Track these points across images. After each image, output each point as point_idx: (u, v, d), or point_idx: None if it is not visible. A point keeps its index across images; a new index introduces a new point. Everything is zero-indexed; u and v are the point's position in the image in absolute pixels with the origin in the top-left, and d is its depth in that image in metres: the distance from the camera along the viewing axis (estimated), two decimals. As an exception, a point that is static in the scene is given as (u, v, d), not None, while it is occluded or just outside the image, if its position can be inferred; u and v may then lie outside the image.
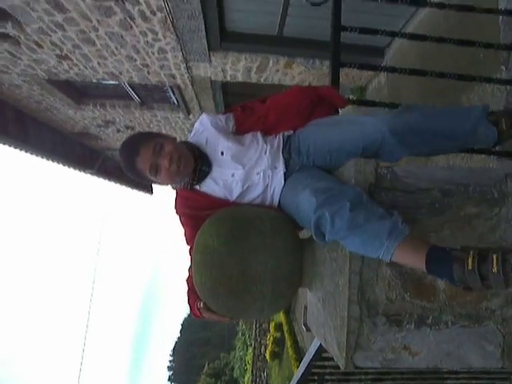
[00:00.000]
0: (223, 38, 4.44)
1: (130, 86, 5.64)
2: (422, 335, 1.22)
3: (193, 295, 1.48)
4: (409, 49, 4.11)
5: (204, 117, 1.63)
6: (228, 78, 5.13)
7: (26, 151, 6.17)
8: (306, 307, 1.66)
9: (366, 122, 1.40)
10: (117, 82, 5.45)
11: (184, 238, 1.61)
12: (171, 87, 5.49)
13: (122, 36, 4.20)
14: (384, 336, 1.21)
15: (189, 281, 1.51)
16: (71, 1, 3.64)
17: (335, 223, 1.16)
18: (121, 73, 5.00)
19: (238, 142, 1.56)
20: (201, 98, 5.79)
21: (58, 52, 4.51)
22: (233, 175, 1.52)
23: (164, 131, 7.42)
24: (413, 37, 1.89)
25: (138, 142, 1.44)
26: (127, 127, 7.19)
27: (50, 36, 4.18)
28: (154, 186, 1.54)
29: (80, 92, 6.06)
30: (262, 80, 5.16)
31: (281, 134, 1.59)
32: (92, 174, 8.62)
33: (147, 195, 12.49)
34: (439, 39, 1.82)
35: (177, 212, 1.62)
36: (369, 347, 1.21)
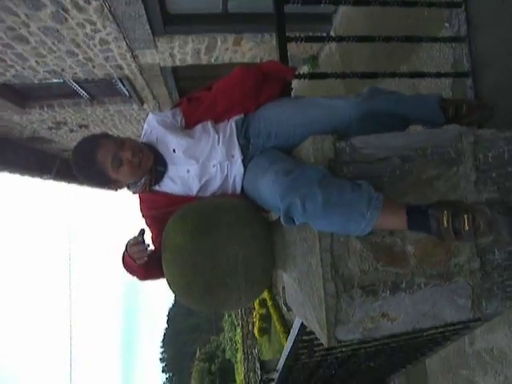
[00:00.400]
0: (166, 21, 4.29)
1: (76, 82, 5.39)
2: (398, 300, 1.26)
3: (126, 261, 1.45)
4: (356, 13, 4.11)
5: (150, 117, 1.62)
6: (177, 63, 5.00)
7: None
8: (283, 287, 1.67)
9: (336, 106, 1.44)
10: (61, 80, 5.21)
11: (151, 241, 1.60)
12: (120, 79, 5.31)
13: (57, 30, 3.98)
14: (362, 307, 1.23)
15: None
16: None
17: (307, 207, 1.16)
18: (63, 70, 4.77)
19: (188, 136, 1.55)
20: (152, 86, 5.63)
21: None
22: (188, 171, 1.52)
23: (119, 125, 7.23)
24: (357, 3, 1.87)
25: (98, 136, 1.46)
26: (80, 126, 6.94)
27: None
28: (109, 190, 1.52)
29: (22, 95, 5.77)
30: (212, 60, 5.06)
31: (232, 119, 1.58)
32: (51, 178, 8.27)
33: (112, 192, 12.24)
34: (383, 2, 1.81)
35: (142, 215, 1.62)
36: (349, 320, 1.23)
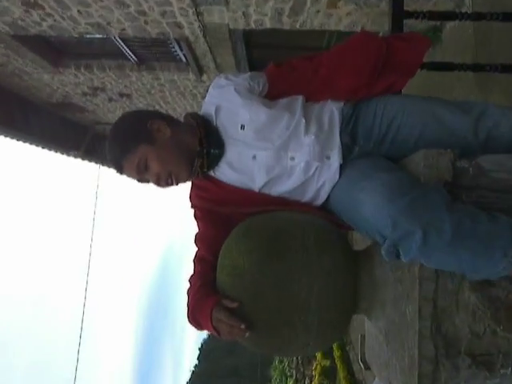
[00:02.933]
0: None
1: (122, 40, 5.74)
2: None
3: (197, 310, 1.48)
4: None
5: (221, 77, 1.67)
6: (252, 25, 5.11)
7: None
8: (363, 337, 1.69)
9: (453, 124, 1.46)
10: (105, 36, 5.54)
11: (194, 237, 1.67)
12: (177, 40, 5.54)
13: None
14: (469, 383, 1.21)
15: (191, 292, 1.54)
16: None
17: (429, 239, 1.15)
18: (109, 23, 5.07)
19: (268, 108, 1.56)
20: (216, 53, 5.82)
21: None
22: (254, 157, 1.54)
23: (170, 97, 7.51)
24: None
25: (119, 157, 1.53)
26: (122, 94, 7.32)
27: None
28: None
29: (57, 51, 6.20)
30: (297, 25, 5.11)
31: (335, 104, 1.58)
32: (77, 156, 8.81)
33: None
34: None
35: (191, 205, 1.69)
36: (448, 397, 1.22)
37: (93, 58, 6.27)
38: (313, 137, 1.49)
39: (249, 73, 1.68)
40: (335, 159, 1.50)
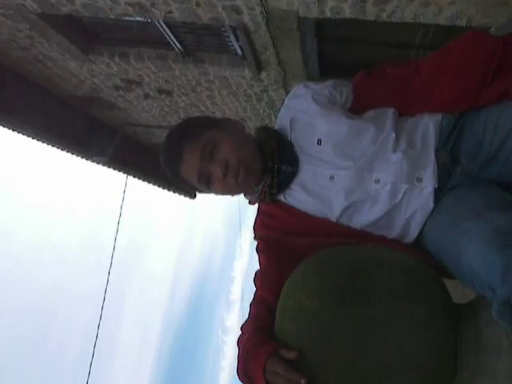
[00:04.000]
0: None
1: (167, 26, 5.79)
2: None
3: (249, 360, 1.46)
4: None
5: (299, 87, 1.76)
6: (327, 14, 5.06)
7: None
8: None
9: None
10: (147, 20, 5.60)
11: (254, 275, 1.72)
12: (233, 28, 5.56)
13: None
14: None
15: (243, 340, 1.54)
16: None
17: None
18: (153, 4, 5.12)
19: (351, 120, 1.62)
20: (281, 46, 5.81)
21: None
22: (332, 178, 1.58)
23: (219, 98, 7.57)
24: None
25: (180, 141, 1.61)
26: (161, 91, 7.43)
27: None
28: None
29: (89, 34, 6.31)
30: (383, 16, 5.02)
31: (431, 117, 1.60)
32: (103, 162, 8.96)
33: (187, 199, 12.99)
34: None
35: (255, 236, 1.76)
36: None
37: (130, 45, 6.39)
38: (401, 154, 1.52)
39: (331, 80, 1.76)
40: (428, 182, 1.50)
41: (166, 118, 8.97)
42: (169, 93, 7.44)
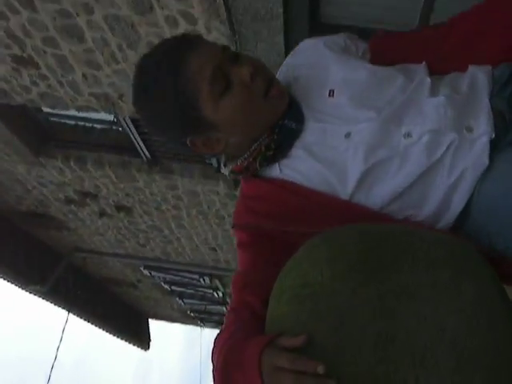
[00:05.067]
0: None
1: (135, 126, 5.54)
2: None
3: (232, 360, 1.25)
4: None
5: (305, 40, 1.69)
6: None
7: None
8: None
9: None
10: (112, 116, 5.35)
11: (234, 277, 1.53)
12: None
13: (132, 25, 3.99)
14: None
15: (218, 345, 1.34)
16: None
17: None
18: (121, 97, 4.80)
19: (372, 66, 1.51)
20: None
21: (15, 51, 4.40)
22: (348, 135, 1.41)
23: (186, 219, 7.27)
24: None
25: (192, 36, 1.46)
26: (119, 208, 7.08)
27: (6, 19, 4.09)
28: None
29: (43, 133, 6.03)
30: None
31: (485, 68, 1.47)
32: (41, 293, 8.57)
33: (140, 349, 12.70)
34: None
35: (235, 225, 1.57)
36: None
37: (89, 149, 6.07)
38: (443, 97, 1.38)
39: (344, 33, 1.69)
40: (483, 131, 1.33)
41: (122, 243, 8.62)
42: (128, 210, 7.06)
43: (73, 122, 5.81)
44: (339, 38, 1.62)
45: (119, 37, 3.99)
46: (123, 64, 4.30)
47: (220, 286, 10.83)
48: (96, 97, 4.79)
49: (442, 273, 1.15)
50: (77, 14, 3.85)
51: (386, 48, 1.63)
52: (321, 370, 1.06)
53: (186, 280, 10.86)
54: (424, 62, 1.51)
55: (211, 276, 10.09)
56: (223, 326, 1.40)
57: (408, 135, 1.35)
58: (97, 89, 4.68)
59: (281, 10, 3.69)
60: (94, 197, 6.74)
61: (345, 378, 1.10)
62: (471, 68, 1.48)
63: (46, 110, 5.45)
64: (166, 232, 7.74)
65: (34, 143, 5.87)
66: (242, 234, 1.54)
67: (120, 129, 5.63)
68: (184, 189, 6.28)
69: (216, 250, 8.30)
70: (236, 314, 1.40)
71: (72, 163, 6.04)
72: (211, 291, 11.46)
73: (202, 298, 12.35)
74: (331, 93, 1.46)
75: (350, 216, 1.40)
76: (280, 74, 1.62)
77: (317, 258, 1.20)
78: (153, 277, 10.35)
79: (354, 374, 1.10)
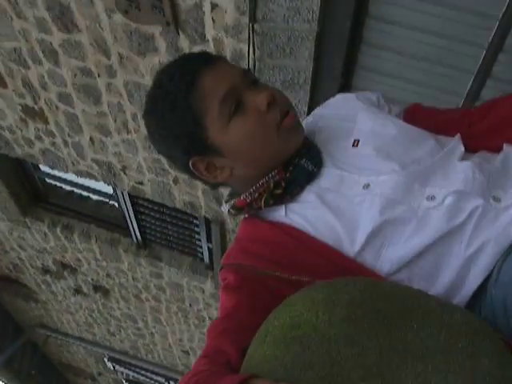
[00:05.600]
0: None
1: (132, 202, 5.48)
2: None
3: None
4: None
5: (337, 95, 1.70)
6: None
7: None
8: None
9: None
10: (110, 189, 5.34)
11: (211, 325, 1.36)
12: (208, 223, 5.20)
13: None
14: None
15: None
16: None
17: None
18: (125, 168, 4.75)
19: (404, 124, 1.50)
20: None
21: (27, 101, 4.41)
22: (367, 186, 1.35)
23: (164, 314, 7.08)
24: None
25: (211, 55, 1.44)
26: (96, 287, 6.89)
27: (26, 67, 4.10)
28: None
29: (35, 192, 5.96)
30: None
31: None
32: None
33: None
34: None
35: (224, 265, 1.45)
36: None
37: (80, 218, 6.01)
38: (471, 163, 1.32)
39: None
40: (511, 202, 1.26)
41: (91, 327, 8.29)
42: (106, 292, 6.84)
43: (69, 188, 5.79)
44: (372, 95, 1.62)
45: (136, 106, 3.98)
46: (133, 135, 4.29)
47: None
48: (99, 164, 4.76)
49: (456, 339, 1.06)
50: (98, 74, 3.85)
51: (421, 116, 1.59)
52: None
53: (152, 383, 10.39)
54: (458, 134, 1.47)
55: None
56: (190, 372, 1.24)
57: (431, 198, 1.30)
58: (101, 156, 4.64)
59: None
60: (73, 271, 6.60)
61: None
62: (506, 146, 1.45)
63: (43, 168, 5.43)
64: (140, 324, 7.52)
65: (23, 201, 5.81)
66: (230, 276, 1.41)
67: (116, 204, 5.58)
68: (169, 279, 6.16)
69: (189, 354, 8.08)
70: (208, 360, 1.25)
71: (58, 230, 5.96)
72: (175, 400, 11.03)
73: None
74: (355, 143, 1.44)
75: (353, 276, 1.31)
76: (305, 123, 1.59)
77: (314, 300, 1.11)
78: (115, 371, 9.99)
79: None
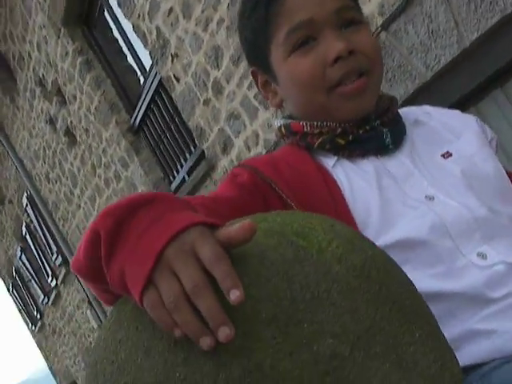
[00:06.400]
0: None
1: (157, 88, 5.38)
2: None
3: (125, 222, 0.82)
4: None
5: (457, 110, 1.65)
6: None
7: None
8: None
9: None
10: (148, 65, 5.34)
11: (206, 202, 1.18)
12: None
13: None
14: None
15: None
16: None
17: None
18: (176, 56, 4.69)
19: (499, 170, 1.39)
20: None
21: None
22: (431, 198, 1.27)
23: (87, 205, 7.21)
24: None
25: None
26: (68, 131, 6.80)
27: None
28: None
29: (88, 15, 5.99)
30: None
31: None
32: None
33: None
34: None
35: (241, 165, 1.35)
36: None
37: (104, 67, 6.02)
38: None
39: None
40: None
41: (37, 159, 8.31)
42: (72, 142, 6.81)
43: (116, 35, 5.73)
44: (491, 131, 1.50)
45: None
46: (207, 33, 4.22)
47: None
48: (159, 34, 4.73)
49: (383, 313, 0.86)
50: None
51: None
52: (239, 293, 0.72)
53: (46, 251, 10.05)
54: None
55: None
56: None
57: (483, 256, 1.19)
58: (165, 28, 4.63)
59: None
60: (63, 103, 6.74)
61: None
62: None
63: (112, 2, 5.33)
64: (76, 192, 7.52)
65: (73, 12, 5.82)
66: (245, 174, 1.31)
67: (142, 80, 5.64)
68: (130, 175, 6.09)
69: None
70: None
71: (79, 60, 6.06)
72: None
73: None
74: (446, 154, 1.34)
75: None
76: (409, 108, 1.53)
77: (336, 231, 0.96)
78: (26, 211, 9.82)
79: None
